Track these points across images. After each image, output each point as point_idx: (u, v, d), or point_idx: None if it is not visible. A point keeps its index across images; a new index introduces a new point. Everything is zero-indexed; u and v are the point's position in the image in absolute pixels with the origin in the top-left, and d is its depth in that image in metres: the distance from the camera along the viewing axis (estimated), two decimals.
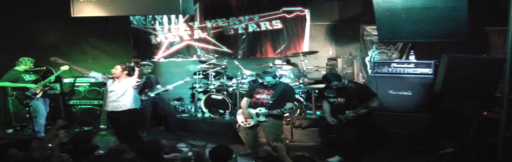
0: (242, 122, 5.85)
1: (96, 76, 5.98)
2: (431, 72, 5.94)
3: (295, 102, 5.93)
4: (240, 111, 5.98)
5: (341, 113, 5.41)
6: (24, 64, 6.89)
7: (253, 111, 5.73)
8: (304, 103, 6.84)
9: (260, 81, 5.85)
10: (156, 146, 3.78)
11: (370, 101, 5.27)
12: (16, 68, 6.90)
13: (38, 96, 6.82)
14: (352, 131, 5.42)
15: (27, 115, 6.86)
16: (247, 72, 7.44)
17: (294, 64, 7.90)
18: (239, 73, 7.49)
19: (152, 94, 7.02)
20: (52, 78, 7.06)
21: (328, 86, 5.54)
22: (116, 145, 4.05)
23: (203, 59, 8.43)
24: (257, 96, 5.76)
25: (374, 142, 6.03)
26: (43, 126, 6.93)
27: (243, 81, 7.30)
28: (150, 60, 8.40)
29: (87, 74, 6.05)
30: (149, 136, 7.07)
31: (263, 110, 5.65)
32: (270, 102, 5.63)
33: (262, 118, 5.66)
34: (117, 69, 5.67)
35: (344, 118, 5.38)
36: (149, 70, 7.07)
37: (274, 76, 5.73)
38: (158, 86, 7.21)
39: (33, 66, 7.04)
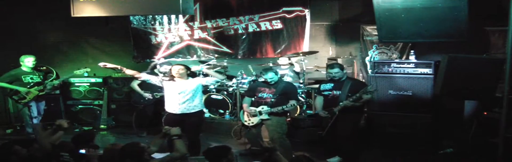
0: (246, 121, 5.85)
1: (150, 78, 5.58)
2: (431, 72, 5.94)
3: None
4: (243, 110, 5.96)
5: (334, 106, 5.42)
6: (21, 61, 6.76)
7: (255, 109, 5.73)
8: (304, 99, 6.85)
9: (261, 80, 5.84)
10: (136, 149, 3.73)
11: (365, 88, 5.26)
12: (22, 67, 6.83)
13: (25, 101, 6.71)
14: (347, 126, 5.41)
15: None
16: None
17: (291, 64, 7.91)
18: (239, 73, 7.49)
19: (158, 95, 6.82)
20: (56, 82, 6.99)
21: (326, 76, 5.55)
22: (111, 144, 4.03)
23: (203, 59, 8.42)
24: (259, 95, 5.75)
25: (369, 139, 6.03)
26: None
27: (243, 81, 7.30)
28: (150, 60, 8.43)
29: (139, 78, 5.62)
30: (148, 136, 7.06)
31: (265, 108, 5.65)
32: (272, 100, 5.63)
33: (264, 116, 5.66)
34: (183, 70, 5.42)
35: (337, 110, 5.37)
36: (167, 70, 6.91)
37: (276, 73, 5.73)
38: None
39: (34, 62, 6.84)
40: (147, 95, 6.89)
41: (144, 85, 6.82)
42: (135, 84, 6.95)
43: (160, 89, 6.78)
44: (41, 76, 7.01)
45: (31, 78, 6.86)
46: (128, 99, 7.64)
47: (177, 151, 3.95)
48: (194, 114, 5.51)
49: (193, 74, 5.58)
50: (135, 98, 7.12)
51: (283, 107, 5.54)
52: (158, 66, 6.79)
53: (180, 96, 5.44)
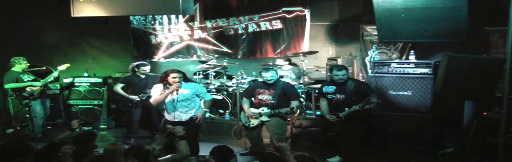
0: (246, 122, 5.84)
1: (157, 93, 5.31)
2: (431, 72, 5.94)
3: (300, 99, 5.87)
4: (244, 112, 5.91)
5: (340, 110, 5.38)
6: (19, 63, 6.83)
7: (255, 111, 5.72)
8: (304, 103, 6.87)
9: (261, 80, 5.82)
10: (141, 152, 3.70)
11: (369, 97, 5.22)
12: (13, 69, 6.86)
13: (34, 96, 6.74)
14: (353, 130, 5.40)
15: (27, 115, 6.84)
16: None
17: (294, 64, 7.91)
18: (239, 73, 7.49)
19: (144, 96, 6.62)
20: (50, 78, 7.01)
21: (331, 79, 5.52)
22: (112, 144, 4.02)
23: (203, 59, 8.43)
24: (259, 97, 5.73)
25: (370, 141, 6.03)
26: (40, 127, 6.90)
27: (243, 81, 7.30)
28: (150, 60, 8.44)
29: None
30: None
31: (265, 110, 5.64)
32: (272, 101, 5.62)
33: (265, 118, 5.65)
34: (181, 78, 5.21)
35: (343, 115, 5.35)
36: (147, 70, 6.76)
37: (277, 72, 5.71)
38: None
39: (28, 64, 6.96)
40: (134, 97, 6.68)
41: (129, 87, 6.76)
42: (118, 88, 6.76)
43: (145, 90, 6.70)
44: (33, 75, 7.06)
45: (28, 76, 6.93)
46: None
47: (180, 153, 3.92)
48: (192, 119, 5.34)
49: (186, 79, 5.39)
50: (123, 103, 6.85)
51: (291, 108, 5.50)
52: (135, 69, 6.71)
53: (181, 104, 5.27)
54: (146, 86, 6.73)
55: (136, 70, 6.71)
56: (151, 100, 5.43)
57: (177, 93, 5.23)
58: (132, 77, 6.79)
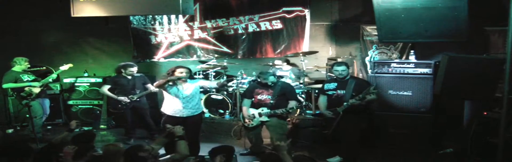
0: (246, 122, 5.85)
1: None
2: (431, 72, 5.94)
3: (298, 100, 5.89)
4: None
5: (339, 106, 5.38)
6: (19, 64, 6.83)
7: (255, 112, 5.72)
8: (304, 103, 6.88)
9: (259, 80, 5.83)
10: (140, 152, 3.69)
11: (368, 88, 5.21)
12: (13, 69, 6.86)
13: (33, 96, 6.74)
14: (353, 130, 5.40)
15: (27, 115, 6.84)
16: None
17: (293, 64, 7.91)
18: (239, 73, 7.49)
19: (135, 97, 6.62)
20: (50, 78, 7.01)
21: (332, 77, 5.51)
22: (111, 144, 4.01)
23: (203, 59, 8.43)
24: (258, 97, 5.74)
25: (370, 141, 6.03)
26: (40, 127, 6.88)
27: (243, 81, 7.30)
28: (150, 60, 8.44)
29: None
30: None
31: (265, 110, 5.65)
32: (272, 101, 5.63)
33: (264, 118, 5.65)
34: (188, 73, 5.38)
35: (341, 110, 5.35)
36: (134, 71, 6.66)
37: (274, 75, 5.76)
38: (148, 86, 6.82)
39: (28, 65, 6.97)
40: (123, 99, 6.62)
41: (116, 89, 6.71)
42: (105, 90, 6.70)
43: (133, 91, 6.69)
44: (33, 75, 7.05)
45: (28, 77, 6.92)
46: None
47: (178, 153, 3.92)
48: (196, 115, 5.51)
49: (191, 76, 5.52)
50: (112, 104, 6.81)
51: (287, 109, 5.50)
52: (122, 70, 6.65)
53: (185, 100, 5.40)
54: (134, 87, 6.71)
55: (123, 71, 6.65)
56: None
57: (183, 88, 5.38)
58: (119, 78, 6.73)
